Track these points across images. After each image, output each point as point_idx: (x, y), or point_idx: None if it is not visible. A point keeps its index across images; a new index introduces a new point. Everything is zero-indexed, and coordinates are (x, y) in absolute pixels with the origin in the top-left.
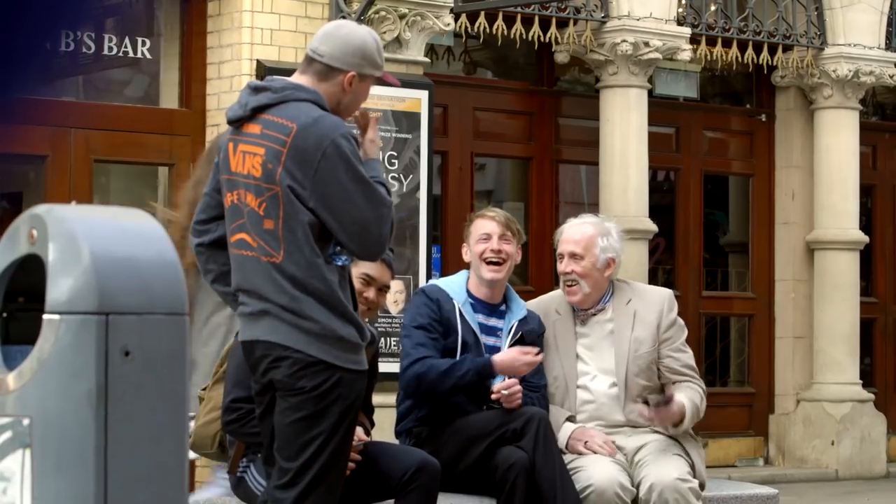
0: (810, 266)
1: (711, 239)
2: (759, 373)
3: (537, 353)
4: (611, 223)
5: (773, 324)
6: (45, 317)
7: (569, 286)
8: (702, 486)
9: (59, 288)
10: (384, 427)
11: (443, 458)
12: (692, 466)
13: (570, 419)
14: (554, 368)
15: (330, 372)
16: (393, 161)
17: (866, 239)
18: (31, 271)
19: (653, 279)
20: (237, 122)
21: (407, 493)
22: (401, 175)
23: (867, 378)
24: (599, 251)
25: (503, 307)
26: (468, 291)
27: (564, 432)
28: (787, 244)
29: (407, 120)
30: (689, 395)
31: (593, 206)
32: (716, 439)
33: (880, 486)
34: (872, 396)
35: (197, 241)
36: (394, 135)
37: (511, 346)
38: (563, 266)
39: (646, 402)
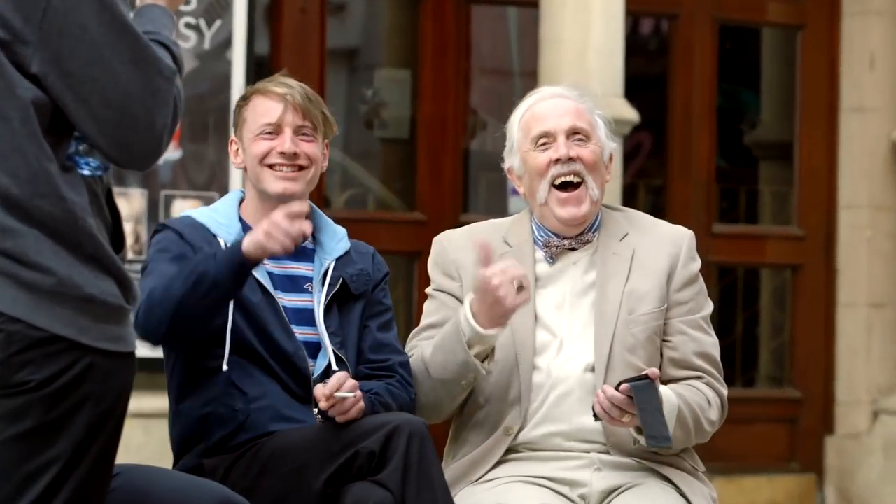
0: None
1: (731, 136)
2: (810, 366)
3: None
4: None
5: (835, 282)
6: None
7: (567, 189)
8: None
9: None
10: (164, 443)
11: None
12: None
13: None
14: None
15: (71, 355)
16: None
17: None
18: None
19: (629, 202)
20: None
21: None
22: (199, 22)
23: None
24: (604, 135)
25: (308, 243)
26: (242, 222)
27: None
28: (859, 145)
29: None
30: (685, 394)
31: (529, 78)
32: (734, 477)
33: None
34: None
35: None
36: None
37: (329, 301)
38: (557, 150)
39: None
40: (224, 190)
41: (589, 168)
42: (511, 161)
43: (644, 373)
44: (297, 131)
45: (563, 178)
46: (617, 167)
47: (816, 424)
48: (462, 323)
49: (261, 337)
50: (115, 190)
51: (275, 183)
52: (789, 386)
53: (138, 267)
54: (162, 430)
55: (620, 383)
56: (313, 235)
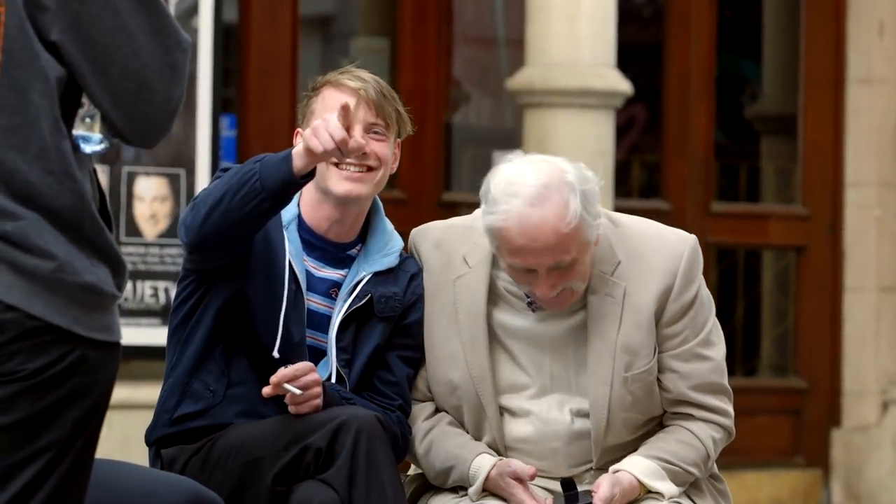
0: None
1: (730, 109)
2: (815, 354)
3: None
4: (569, 165)
5: (842, 265)
6: None
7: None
8: None
9: None
10: (133, 440)
11: None
12: None
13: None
14: (454, 368)
15: (64, 346)
16: None
17: None
18: None
19: (622, 179)
20: None
21: None
22: None
23: None
24: (589, 230)
25: (355, 250)
26: (299, 212)
27: (477, 471)
28: (867, 119)
29: None
30: (665, 452)
31: (516, 47)
32: (735, 472)
33: None
34: None
35: None
36: None
37: (350, 315)
38: (540, 288)
39: (567, 484)
40: (191, 168)
41: (576, 279)
42: (488, 234)
43: (587, 490)
44: (368, 129)
45: (547, 303)
46: (609, 142)
47: (822, 416)
48: (471, 482)
49: (270, 326)
50: None
51: (339, 183)
52: (793, 375)
53: (137, 245)
54: (123, 422)
55: (569, 485)
56: (363, 239)
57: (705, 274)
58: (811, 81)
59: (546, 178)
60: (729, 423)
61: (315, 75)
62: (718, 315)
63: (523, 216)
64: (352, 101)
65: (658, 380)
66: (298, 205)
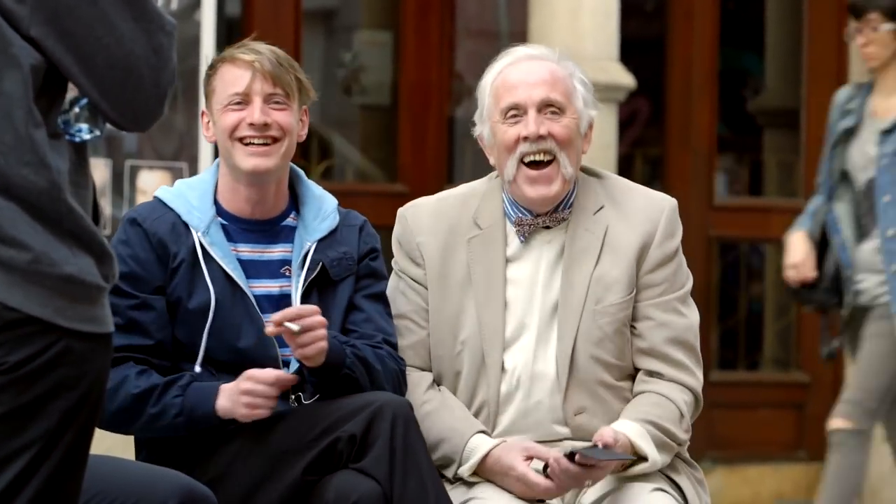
0: None
1: (733, 102)
2: (818, 348)
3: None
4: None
5: None
6: None
7: (536, 166)
8: None
9: None
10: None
11: (228, 497)
12: None
13: (485, 432)
14: (463, 327)
15: (46, 338)
16: None
17: None
18: None
19: (625, 173)
20: None
21: None
22: None
23: None
24: (582, 103)
25: (289, 219)
26: (217, 204)
27: (473, 449)
28: None
29: None
30: (645, 413)
31: (519, 40)
32: (737, 466)
33: None
34: None
35: None
36: None
37: (309, 286)
38: (527, 126)
39: (569, 457)
40: (193, 161)
41: (562, 144)
42: (481, 128)
43: (594, 442)
44: (268, 100)
45: (532, 157)
46: (612, 136)
47: (825, 410)
48: (464, 460)
49: (225, 342)
50: None
51: (245, 159)
52: (796, 369)
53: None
54: None
55: (573, 453)
56: (296, 210)
57: (708, 268)
58: (814, 75)
59: (547, 49)
60: (697, 385)
61: (318, 69)
62: (720, 309)
63: (521, 59)
64: (248, 75)
65: (633, 328)
66: (215, 201)
